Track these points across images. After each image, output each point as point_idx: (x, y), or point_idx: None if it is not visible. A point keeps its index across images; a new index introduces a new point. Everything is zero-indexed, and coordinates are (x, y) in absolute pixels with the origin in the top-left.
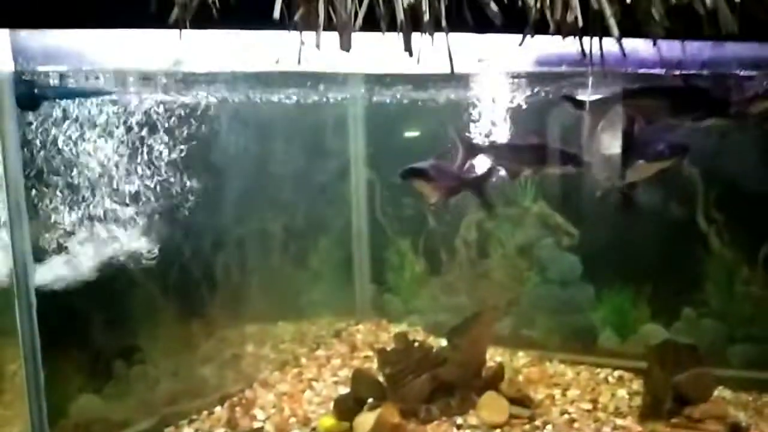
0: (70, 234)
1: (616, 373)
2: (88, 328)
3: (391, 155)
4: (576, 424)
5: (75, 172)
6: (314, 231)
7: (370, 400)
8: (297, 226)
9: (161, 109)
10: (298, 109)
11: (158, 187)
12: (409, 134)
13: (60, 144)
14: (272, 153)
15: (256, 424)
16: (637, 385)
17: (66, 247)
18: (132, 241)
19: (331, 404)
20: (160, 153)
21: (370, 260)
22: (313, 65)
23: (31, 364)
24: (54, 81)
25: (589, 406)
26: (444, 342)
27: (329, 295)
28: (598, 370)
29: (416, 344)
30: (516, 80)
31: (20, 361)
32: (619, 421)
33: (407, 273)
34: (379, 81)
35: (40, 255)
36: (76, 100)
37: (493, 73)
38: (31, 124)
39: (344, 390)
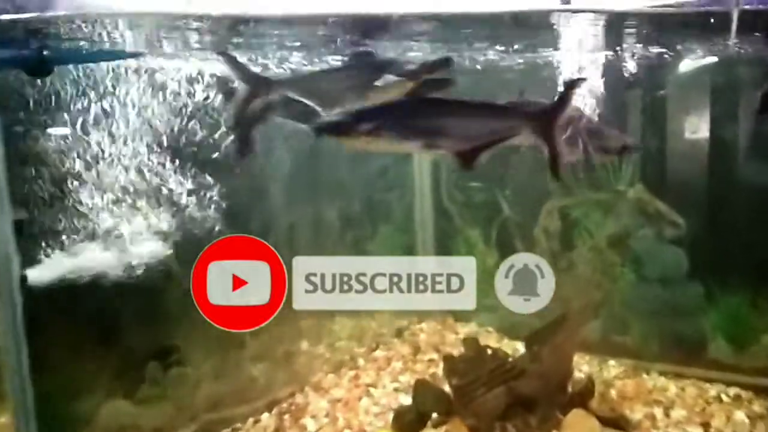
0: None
1: (731, 390)
2: (117, 326)
3: None
4: None
5: None
6: (374, 217)
7: (435, 414)
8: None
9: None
10: None
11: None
12: None
13: None
14: None
15: None
16: (758, 406)
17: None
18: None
19: (390, 415)
20: None
21: (434, 250)
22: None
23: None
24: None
25: (699, 430)
26: (521, 348)
27: None
28: (708, 385)
29: (489, 351)
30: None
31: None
32: None
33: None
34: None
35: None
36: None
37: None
38: None
39: (405, 399)
